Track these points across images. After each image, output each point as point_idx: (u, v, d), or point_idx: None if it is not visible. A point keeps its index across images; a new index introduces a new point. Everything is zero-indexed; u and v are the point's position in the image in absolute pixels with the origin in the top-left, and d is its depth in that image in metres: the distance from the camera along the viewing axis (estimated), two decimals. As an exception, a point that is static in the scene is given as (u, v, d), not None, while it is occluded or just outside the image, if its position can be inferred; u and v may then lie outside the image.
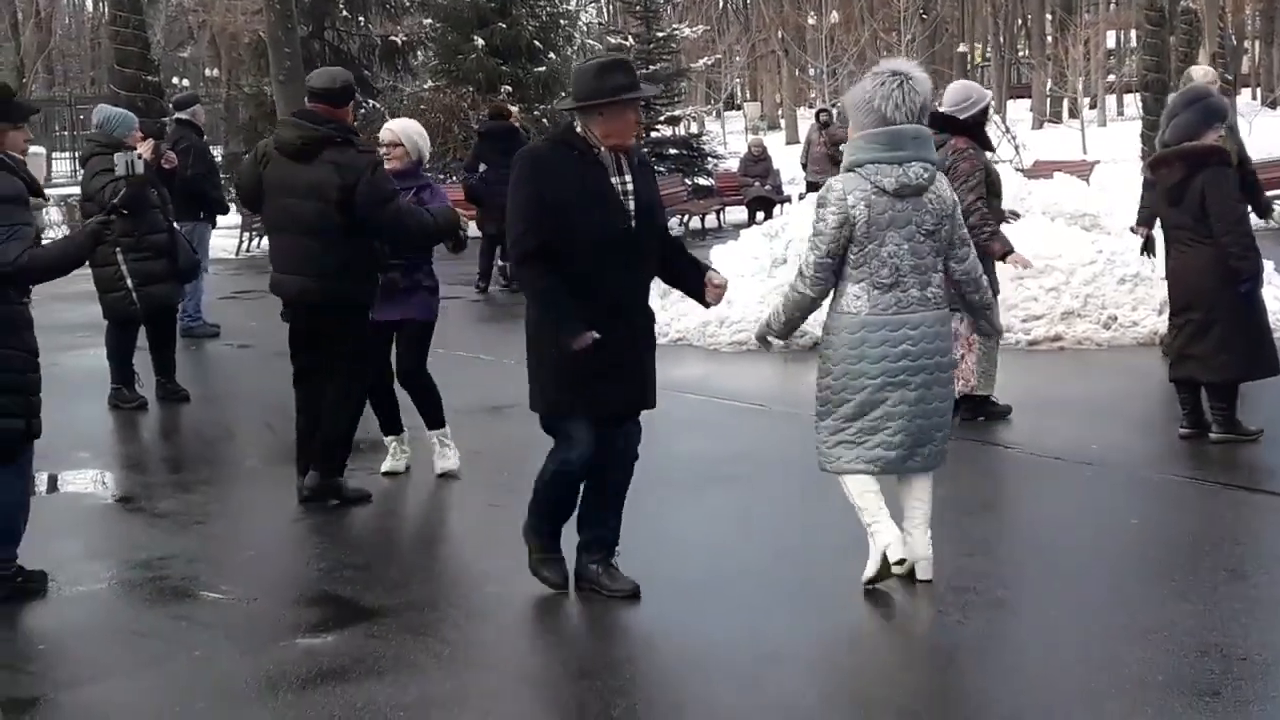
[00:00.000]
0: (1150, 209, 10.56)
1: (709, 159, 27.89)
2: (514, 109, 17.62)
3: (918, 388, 5.66)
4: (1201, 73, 11.45)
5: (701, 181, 26.41)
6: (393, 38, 30.86)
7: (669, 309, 12.25)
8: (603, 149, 5.58)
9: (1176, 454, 7.95)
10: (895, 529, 5.75)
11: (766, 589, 5.95)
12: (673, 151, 26.98)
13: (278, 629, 5.73)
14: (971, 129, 8.58)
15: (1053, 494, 7.41)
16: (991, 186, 8.60)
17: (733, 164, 26.18)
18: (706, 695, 4.92)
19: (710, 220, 24.93)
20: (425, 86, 30.26)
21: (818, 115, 26.97)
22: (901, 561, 5.70)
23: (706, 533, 6.84)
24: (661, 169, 24.28)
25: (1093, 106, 52.70)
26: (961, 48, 39.97)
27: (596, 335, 5.47)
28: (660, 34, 28.06)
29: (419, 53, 31.39)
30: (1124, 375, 10.56)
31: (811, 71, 35.49)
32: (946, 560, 5.94)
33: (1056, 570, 6.05)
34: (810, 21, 51.30)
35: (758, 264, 13.12)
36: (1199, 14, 24.20)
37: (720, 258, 13.46)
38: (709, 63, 33.96)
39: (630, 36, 26.50)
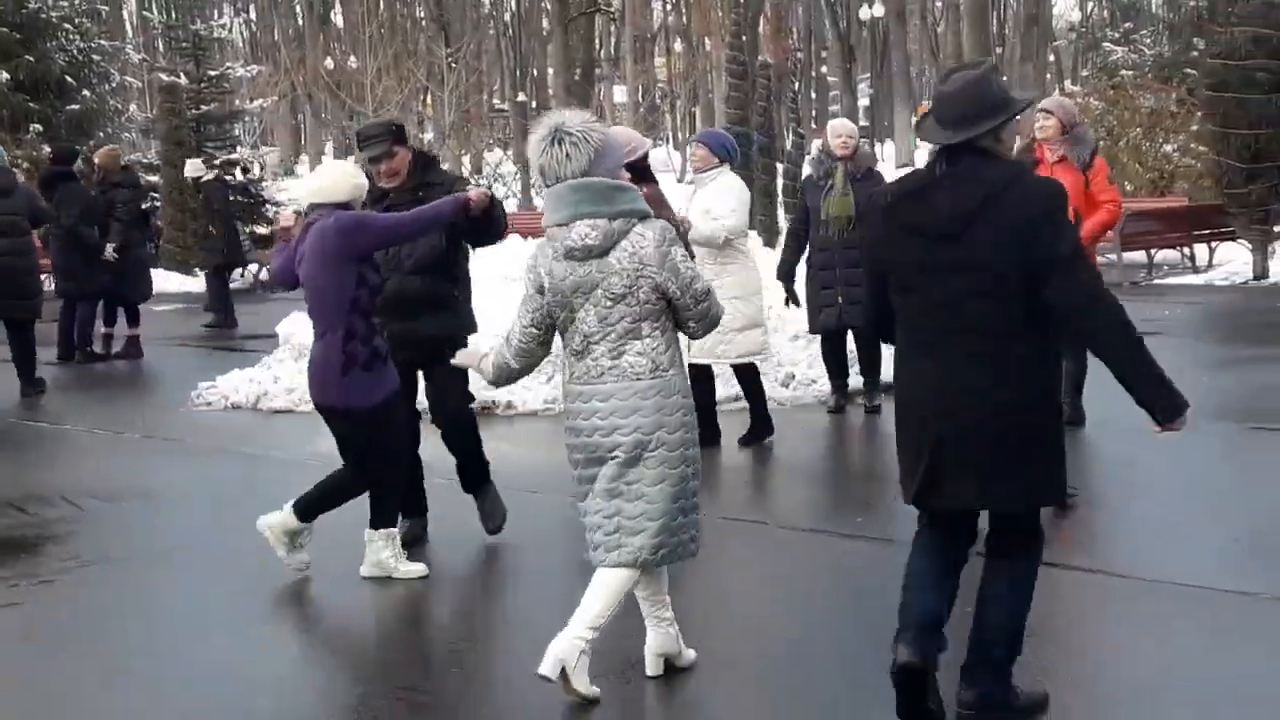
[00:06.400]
0: (790, 260, 10.03)
1: (267, 205, 25.86)
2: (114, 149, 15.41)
3: (612, 464, 5.05)
4: (843, 124, 11.04)
5: (261, 230, 24.28)
6: (-103, 68, 27.60)
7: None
8: None
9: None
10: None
11: None
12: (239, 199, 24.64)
13: None
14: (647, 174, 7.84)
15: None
16: None
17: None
18: None
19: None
20: (-64, 124, 27.18)
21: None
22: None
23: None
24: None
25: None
26: (521, 96, 39.61)
27: None
28: (213, 73, 26.13)
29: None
30: (829, 436, 9.99)
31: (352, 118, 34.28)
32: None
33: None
34: (329, 65, 49.76)
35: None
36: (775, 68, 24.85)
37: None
38: (265, 105, 32.09)
39: (182, 74, 24.48)
